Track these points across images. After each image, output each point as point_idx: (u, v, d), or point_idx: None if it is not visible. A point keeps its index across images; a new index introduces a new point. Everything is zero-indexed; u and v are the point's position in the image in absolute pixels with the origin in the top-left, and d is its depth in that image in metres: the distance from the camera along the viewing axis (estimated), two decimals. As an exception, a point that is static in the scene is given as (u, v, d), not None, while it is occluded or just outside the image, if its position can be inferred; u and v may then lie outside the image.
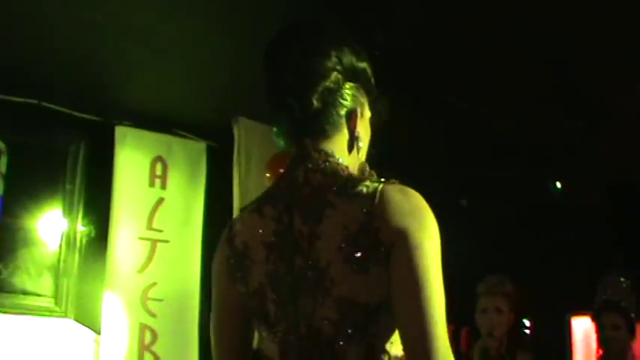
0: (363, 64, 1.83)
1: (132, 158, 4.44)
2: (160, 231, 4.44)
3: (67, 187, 4.67)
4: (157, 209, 4.44)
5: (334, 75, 1.76)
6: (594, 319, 4.10)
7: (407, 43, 3.85)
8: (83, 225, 4.72)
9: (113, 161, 4.42)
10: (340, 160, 1.74)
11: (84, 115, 4.53)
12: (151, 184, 4.46)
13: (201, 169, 4.65)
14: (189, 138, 4.71)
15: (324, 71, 1.76)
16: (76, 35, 3.76)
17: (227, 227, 1.83)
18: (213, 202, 4.67)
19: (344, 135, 1.80)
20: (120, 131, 4.46)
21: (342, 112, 1.78)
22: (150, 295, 4.37)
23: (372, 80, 1.87)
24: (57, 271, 4.65)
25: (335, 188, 1.68)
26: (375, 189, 1.64)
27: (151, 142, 4.54)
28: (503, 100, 4.64)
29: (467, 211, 6.18)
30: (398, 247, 1.59)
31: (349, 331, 1.64)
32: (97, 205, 4.65)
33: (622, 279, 4.10)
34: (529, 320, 7.48)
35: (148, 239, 4.41)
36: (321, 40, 1.81)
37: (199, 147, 4.69)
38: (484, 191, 6.16)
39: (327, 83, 1.75)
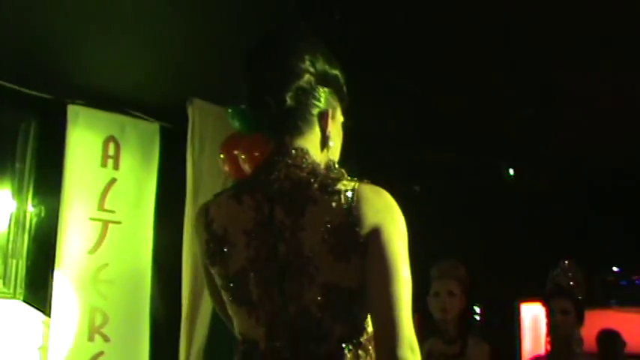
0: (335, 72, 2.00)
1: (84, 138, 4.38)
2: (112, 212, 4.40)
3: (17, 166, 4.59)
4: (109, 190, 4.39)
5: (307, 76, 1.93)
6: (545, 303, 4.17)
7: (360, 27, 3.87)
8: (33, 205, 4.65)
9: (65, 141, 4.35)
10: (314, 158, 1.95)
11: (35, 93, 4.43)
12: (103, 165, 4.42)
13: (154, 150, 4.61)
14: (143, 118, 4.67)
15: (298, 71, 1.93)
16: (27, 10, 3.69)
17: (202, 212, 1.99)
18: (165, 184, 4.64)
19: (316, 134, 1.98)
20: (72, 110, 4.39)
21: (315, 111, 1.96)
22: (101, 276, 4.33)
23: (344, 88, 2.04)
24: (6, 252, 4.57)
25: (316, 185, 1.88)
26: (353, 188, 1.86)
27: (103, 122, 4.49)
28: (455, 85, 4.68)
29: (419, 196, 6.23)
30: (373, 241, 1.82)
31: (335, 311, 1.86)
32: (48, 185, 4.58)
33: (573, 265, 4.16)
34: (479, 307, 7.58)
35: (99, 220, 4.37)
36: (298, 43, 1.98)
37: (153, 128, 4.65)
38: (436, 176, 6.21)
39: (301, 83, 1.93)
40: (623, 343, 6.17)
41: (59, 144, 4.38)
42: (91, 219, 4.34)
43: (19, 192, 4.62)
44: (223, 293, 1.96)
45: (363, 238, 1.82)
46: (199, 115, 4.57)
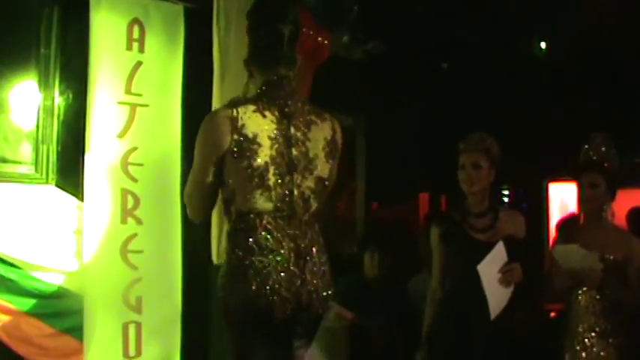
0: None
1: (108, 21, 4.31)
2: (139, 95, 4.37)
3: (42, 52, 4.57)
4: (136, 73, 4.34)
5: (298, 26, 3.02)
6: (575, 178, 4.15)
7: None
8: (60, 91, 4.66)
9: (89, 25, 4.29)
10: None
11: (55, -24, 4.40)
12: (129, 48, 4.35)
13: (179, 32, 4.53)
14: (166, 0, 4.59)
15: (299, 20, 3.05)
16: None
17: (228, 117, 2.83)
18: (192, 66, 4.60)
19: (294, 71, 3.02)
20: (94, -7, 4.32)
21: (296, 55, 3.02)
22: (130, 159, 4.34)
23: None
24: (36, 139, 4.61)
25: (313, 114, 3.02)
26: (332, 118, 3.11)
27: (126, 5, 4.40)
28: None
29: (448, 73, 6.16)
30: (338, 154, 3.07)
31: (316, 194, 2.98)
32: (74, 70, 4.57)
33: (604, 138, 4.12)
34: (507, 188, 7.58)
35: (127, 104, 4.34)
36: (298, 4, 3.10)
37: (177, 9, 4.56)
38: (465, 54, 6.12)
39: (298, 30, 3.03)
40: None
41: (83, 28, 4.32)
42: (119, 103, 4.32)
43: (45, 78, 4.62)
44: (242, 178, 2.83)
45: (338, 152, 3.06)
46: (224, -5, 4.52)
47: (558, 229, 4.24)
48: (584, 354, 3.98)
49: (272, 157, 2.85)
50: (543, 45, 5.68)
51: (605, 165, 4.07)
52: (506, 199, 7.67)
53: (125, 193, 4.35)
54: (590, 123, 5.73)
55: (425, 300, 4.15)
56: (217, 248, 5.03)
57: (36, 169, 4.58)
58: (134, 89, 4.35)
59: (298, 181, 2.91)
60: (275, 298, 2.82)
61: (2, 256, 4.26)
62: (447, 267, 4.02)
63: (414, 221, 6.97)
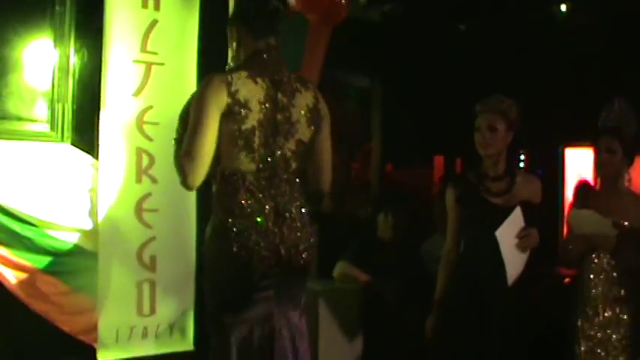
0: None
1: (123, -21, 4.29)
2: (155, 54, 4.34)
3: (57, 9, 4.54)
4: (151, 31, 4.30)
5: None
6: (593, 143, 4.12)
7: None
8: (75, 49, 4.64)
9: (104, -18, 4.26)
10: None
11: None
12: (144, 6, 4.31)
13: (194, -11, 4.50)
14: (182, -43, 4.54)
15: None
16: None
17: (224, 83, 3.02)
18: (208, 24, 4.56)
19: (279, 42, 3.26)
20: (108, -51, 4.28)
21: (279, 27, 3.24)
22: (146, 118, 4.33)
23: None
24: (51, 97, 4.61)
25: (298, 83, 3.24)
26: (314, 88, 3.32)
27: (142, -38, 4.37)
28: None
29: (465, 35, 6.10)
30: (324, 123, 3.32)
31: (297, 155, 3.19)
32: (89, 28, 4.55)
33: (624, 104, 4.08)
34: (523, 153, 7.54)
35: (142, 62, 4.32)
36: None
37: (193, -34, 4.53)
38: (483, 15, 6.05)
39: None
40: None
41: (98, -15, 4.30)
42: (135, 61, 4.30)
43: (60, 36, 4.60)
44: (229, 141, 3.03)
45: (320, 118, 3.27)
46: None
47: (574, 194, 4.21)
48: (597, 320, 3.98)
49: (259, 121, 3.06)
50: (564, 7, 5.60)
51: (623, 130, 4.03)
52: (521, 164, 7.63)
53: (140, 151, 4.34)
54: (610, 88, 5.67)
55: (438, 262, 4.14)
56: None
57: (51, 128, 4.59)
58: (150, 47, 4.33)
59: (280, 144, 3.13)
60: (255, 257, 3.04)
61: (18, 214, 4.28)
62: (462, 230, 4.00)
63: (428, 184, 6.95)
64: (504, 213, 3.75)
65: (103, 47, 4.27)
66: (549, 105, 6.47)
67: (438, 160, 7.39)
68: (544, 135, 6.60)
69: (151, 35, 4.32)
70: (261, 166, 3.09)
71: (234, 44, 3.29)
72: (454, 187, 4.03)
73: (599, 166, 4.10)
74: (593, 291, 4.00)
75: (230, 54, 3.35)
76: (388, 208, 5.05)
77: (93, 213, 4.43)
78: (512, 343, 3.81)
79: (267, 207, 3.09)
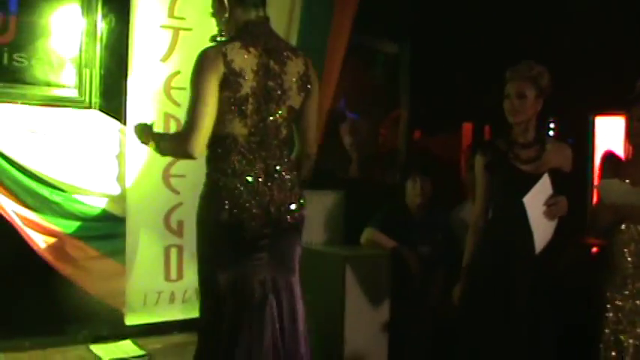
0: None
1: (150, -57, 4.26)
2: (182, 19, 4.33)
3: (85, -25, 4.56)
4: (178, -4, 4.32)
5: None
6: (625, 111, 4.05)
7: None
8: (103, 14, 4.65)
9: (131, -53, 4.25)
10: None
11: None
12: (171, -29, 4.32)
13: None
14: None
15: None
16: None
17: (219, 54, 3.11)
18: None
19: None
20: None
21: None
22: (173, 84, 4.34)
23: None
24: (79, 63, 4.64)
25: (289, 51, 3.31)
26: (304, 56, 3.35)
27: None
28: None
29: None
30: (313, 89, 3.36)
31: (287, 121, 3.30)
32: (117, -7, 4.56)
33: None
34: (552, 121, 7.46)
35: (170, 27, 4.32)
36: None
37: None
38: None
39: None
40: None
41: (125, -50, 4.29)
42: (162, 27, 4.29)
43: (88, 2, 4.63)
44: (224, 107, 3.11)
45: (309, 84, 3.33)
46: None
47: (600, 166, 4.15)
48: (625, 291, 3.94)
49: (252, 89, 3.16)
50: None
51: None
52: (551, 132, 7.55)
53: (168, 117, 4.36)
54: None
55: (467, 229, 4.12)
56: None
57: (79, 93, 4.61)
58: (177, 13, 4.32)
59: (272, 110, 3.23)
60: (245, 215, 3.15)
61: (47, 179, 4.32)
62: (491, 197, 3.97)
63: (456, 151, 6.91)
64: (533, 180, 3.70)
65: (131, 13, 4.28)
66: (581, 73, 6.38)
67: (467, 128, 7.34)
68: (575, 103, 6.51)
69: (178, 0, 4.30)
70: (253, 130, 3.19)
71: (226, 16, 3.30)
72: (483, 154, 3.99)
73: (630, 135, 4.03)
74: (623, 261, 3.96)
75: (220, 26, 3.34)
76: (416, 174, 5.02)
77: (121, 178, 4.46)
78: (539, 312, 3.79)
79: (257, 167, 3.21)
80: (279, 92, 3.24)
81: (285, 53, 3.28)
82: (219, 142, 3.19)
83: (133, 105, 4.26)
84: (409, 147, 6.58)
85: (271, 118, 3.23)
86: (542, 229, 3.70)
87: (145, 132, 3.43)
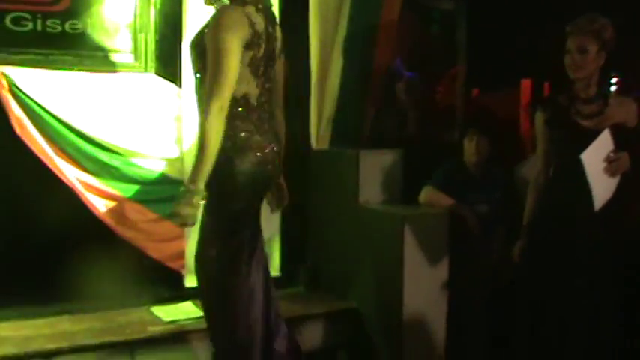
0: None
1: None
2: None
3: (138, -61, 4.56)
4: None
5: None
6: None
7: None
8: (157, -22, 4.65)
9: None
10: None
11: None
12: None
13: None
14: None
15: None
16: None
17: (243, 16, 3.21)
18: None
19: None
20: None
21: None
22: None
23: None
24: (134, 28, 4.64)
25: (273, 16, 3.44)
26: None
27: None
28: None
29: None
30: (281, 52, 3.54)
31: (272, 82, 3.48)
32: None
33: None
34: (616, 75, 7.27)
35: (223, -10, 4.30)
36: None
37: None
38: None
39: None
40: None
41: None
42: (215, -11, 4.28)
43: (142, -34, 4.62)
44: (246, 68, 3.25)
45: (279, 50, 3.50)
46: None
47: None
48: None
49: (264, 51, 3.32)
50: None
51: None
52: (614, 87, 7.37)
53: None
54: None
55: (528, 187, 4.06)
56: (317, 134, 5.03)
57: (135, 58, 4.62)
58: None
59: (270, 72, 3.43)
60: (269, 167, 3.39)
61: (105, 144, 4.37)
62: (551, 153, 3.89)
63: (514, 107, 6.79)
64: (594, 136, 3.61)
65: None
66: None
67: (525, 84, 7.20)
68: (637, 57, 6.34)
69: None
70: (261, 91, 3.38)
71: None
72: (543, 110, 3.90)
73: None
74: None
75: None
76: (473, 133, 4.94)
77: (178, 141, 4.48)
78: (601, 270, 3.73)
79: (266, 125, 3.41)
80: (273, 55, 3.42)
81: (273, 19, 3.46)
82: (239, 100, 3.30)
83: (189, 69, 4.24)
84: (467, 105, 6.49)
85: (270, 79, 3.44)
86: (601, 186, 3.61)
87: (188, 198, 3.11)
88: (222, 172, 3.22)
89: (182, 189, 3.11)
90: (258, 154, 3.32)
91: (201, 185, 3.06)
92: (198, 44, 3.31)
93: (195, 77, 3.41)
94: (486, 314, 4.76)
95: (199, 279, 3.48)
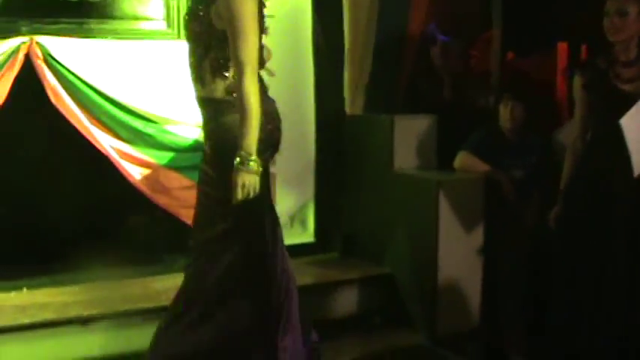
0: None
1: None
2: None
3: None
4: None
5: None
6: None
7: None
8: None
9: None
10: None
11: None
12: None
13: None
14: None
15: None
16: None
17: None
18: None
19: None
20: None
21: None
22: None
23: None
24: (166, -6, 4.63)
25: None
26: None
27: None
28: None
29: None
30: None
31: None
32: None
33: None
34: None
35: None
36: None
37: None
38: None
39: None
40: None
41: None
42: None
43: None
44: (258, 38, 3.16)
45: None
46: None
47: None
48: None
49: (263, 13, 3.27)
50: None
51: None
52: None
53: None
54: None
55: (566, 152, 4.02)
56: (351, 99, 5.01)
57: (168, 25, 4.62)
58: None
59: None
60: (276, 134, 3.32)
61: (139, 112, 4.38)
62: (589, 119, 3.84)
63: (551, 72, 6.70)
64: (634, 100, 3.56)
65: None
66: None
67: (562, 48, 7.09)
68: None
69: None
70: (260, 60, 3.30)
71: None
72: (581, 73, 3.84)
73: None
74: None
75: None
76: (507, 98, 4.89)
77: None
78: (638, 235, 3.69)
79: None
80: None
81: None
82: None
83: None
84: (502, 69, 6.42)
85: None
86: (641, 152, 3.56)
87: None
88: (224, 140, 3.19)
89: (237, 160, 3.01)
90: (271, 122, 3.26)
91: (254, 151, 3.02)
92: (203, 16, 3.22)
93: (196, 50, 3.31)
94: (522, 280, 4.74)
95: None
